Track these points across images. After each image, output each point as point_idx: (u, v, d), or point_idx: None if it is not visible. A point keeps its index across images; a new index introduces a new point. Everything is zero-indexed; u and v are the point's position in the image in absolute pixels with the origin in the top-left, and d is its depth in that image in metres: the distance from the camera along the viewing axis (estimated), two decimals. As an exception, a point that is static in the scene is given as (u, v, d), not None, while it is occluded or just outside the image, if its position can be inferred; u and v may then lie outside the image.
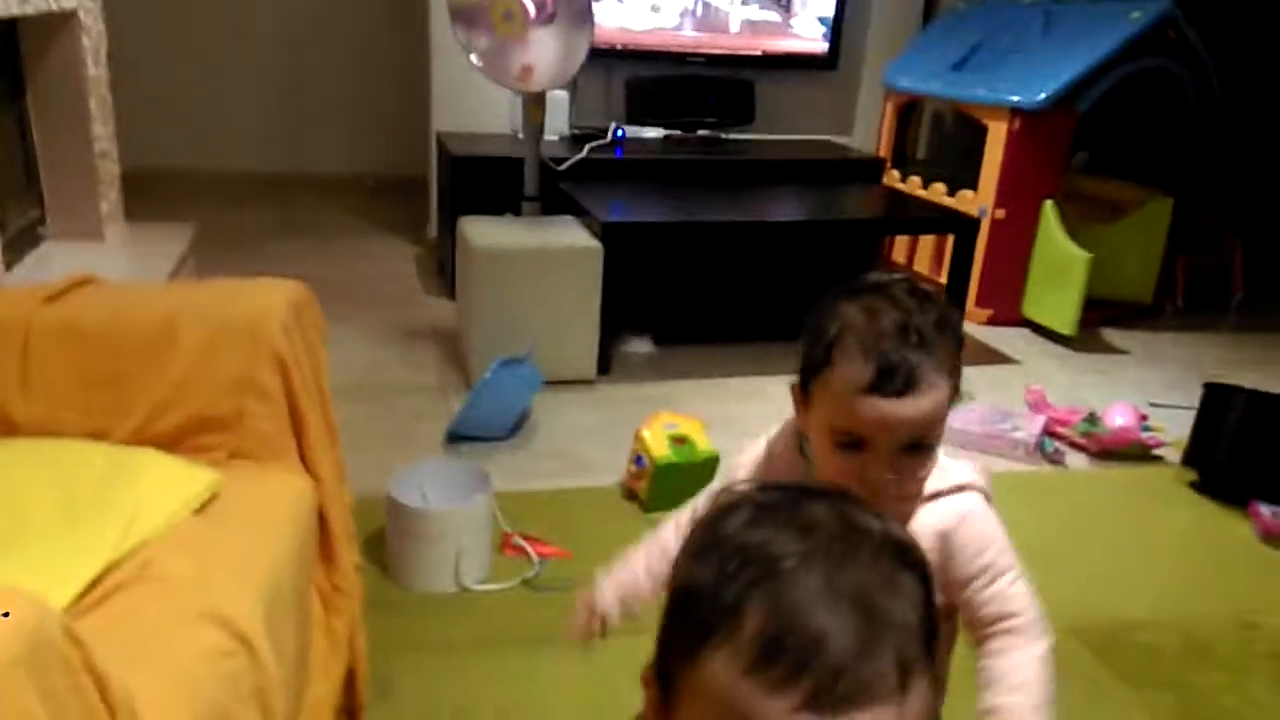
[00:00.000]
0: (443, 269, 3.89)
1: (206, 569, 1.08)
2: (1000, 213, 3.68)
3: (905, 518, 0.97)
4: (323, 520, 1.45)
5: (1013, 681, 0.98)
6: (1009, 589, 1.00)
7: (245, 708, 0.99)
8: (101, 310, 1.33)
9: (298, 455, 1.38)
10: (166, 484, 1.19)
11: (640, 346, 3.38)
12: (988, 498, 1.02)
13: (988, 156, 3.69)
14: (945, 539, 0.98)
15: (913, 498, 0.97)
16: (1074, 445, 2.77)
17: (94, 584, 1.03)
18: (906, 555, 0.53)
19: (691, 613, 0.51)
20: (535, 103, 3.23)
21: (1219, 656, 1.88)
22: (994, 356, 3.53)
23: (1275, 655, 1.90)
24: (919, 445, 0.92)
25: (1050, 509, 2.44)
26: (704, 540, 0.53)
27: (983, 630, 1.00)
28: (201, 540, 1.13)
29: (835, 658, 0.45)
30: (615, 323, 3.16)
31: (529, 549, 2.09)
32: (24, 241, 2.90)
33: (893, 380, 0.89)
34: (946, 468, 1.00)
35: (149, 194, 4.73)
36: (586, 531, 2.17)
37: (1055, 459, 2.69)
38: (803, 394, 0.97)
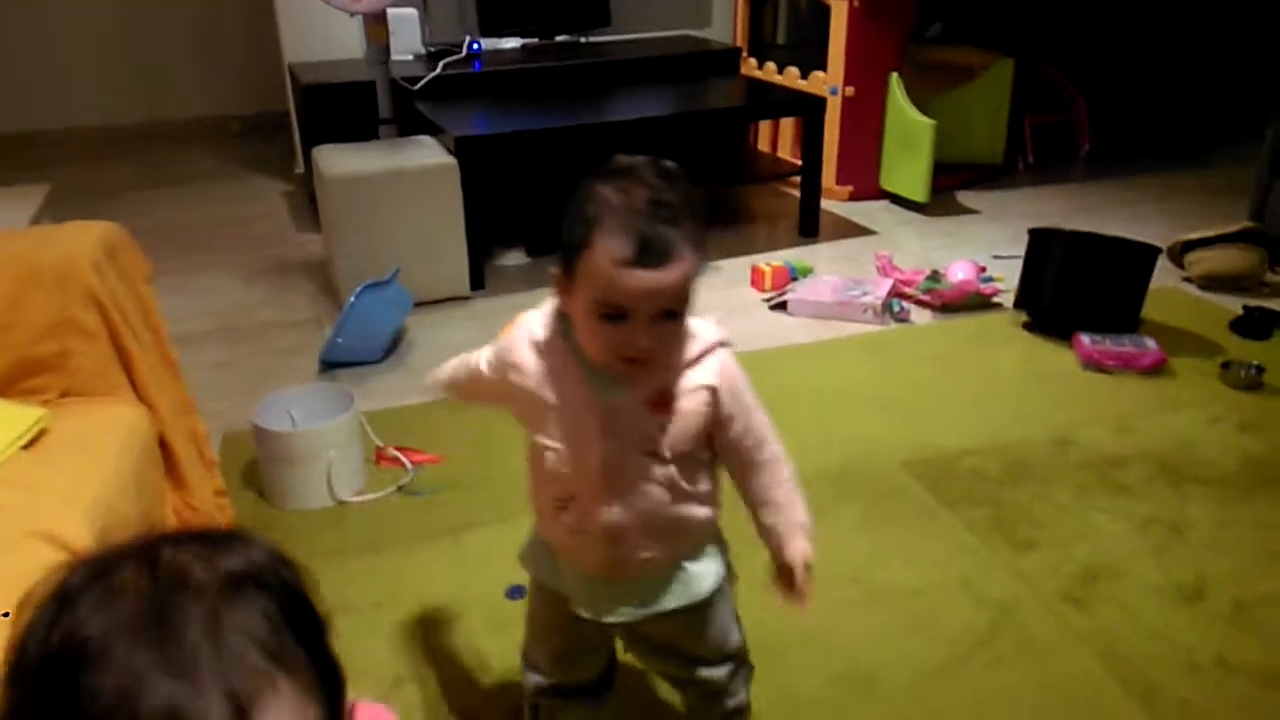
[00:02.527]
0: (313, 203, 3.86)
1: (35, 496, 1.15)
2: (850, 90, 3.78)
3: (670, 385, 1.08)
4: (169, 448, 1.52)
5: (780, 501, 1.15)
6: (761, 420, 1.14)
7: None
8: (-91, 267, 1.36)
9: (130, 389, 1.45)
10: (-7, 425, 1.25)
11: (513, 258, 3.45)
12: (729, 345, 1.13)
13: (833, 37, 3.78)
14: (713, 392, 1.10)
15: (675, 369, 1.08)
16: (919, 303, 2.94)
17: (-75, 519, 1.10)
18: (242, 584, 0.51)
19: None
20: (375, 22, 3.22)
21: (1034, 472, 2.09)
22: (854, 230, 3.68)
23: (1084, 465, 2.11)
24: (673, 314, 1.02)
25: (895, 363, 2.61)
26: (14, 662, 0.48)
27: (743, 460, 1.14)
28: (30, 472, 1.20)
29: None
30: (485, 237, 3.22)
31: (402, 458, 2.19)
32: None
33: (651, 253, 0.97)
34: (698, 331, 1.10)
35: (3, 159, 4.59)
36: (458, 437, 2.27)
37: (901, 317, 2.86)
38: (565, 276, 1.04)
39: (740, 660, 1.28)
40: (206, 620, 0.48)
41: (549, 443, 1.09)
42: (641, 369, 1.04)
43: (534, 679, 1.28)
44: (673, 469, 1.10)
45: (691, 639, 1.22)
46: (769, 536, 1.16)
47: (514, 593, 1.74)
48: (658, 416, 1.07)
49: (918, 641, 1.62)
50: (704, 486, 1.15)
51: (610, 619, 1.16)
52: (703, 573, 1.18)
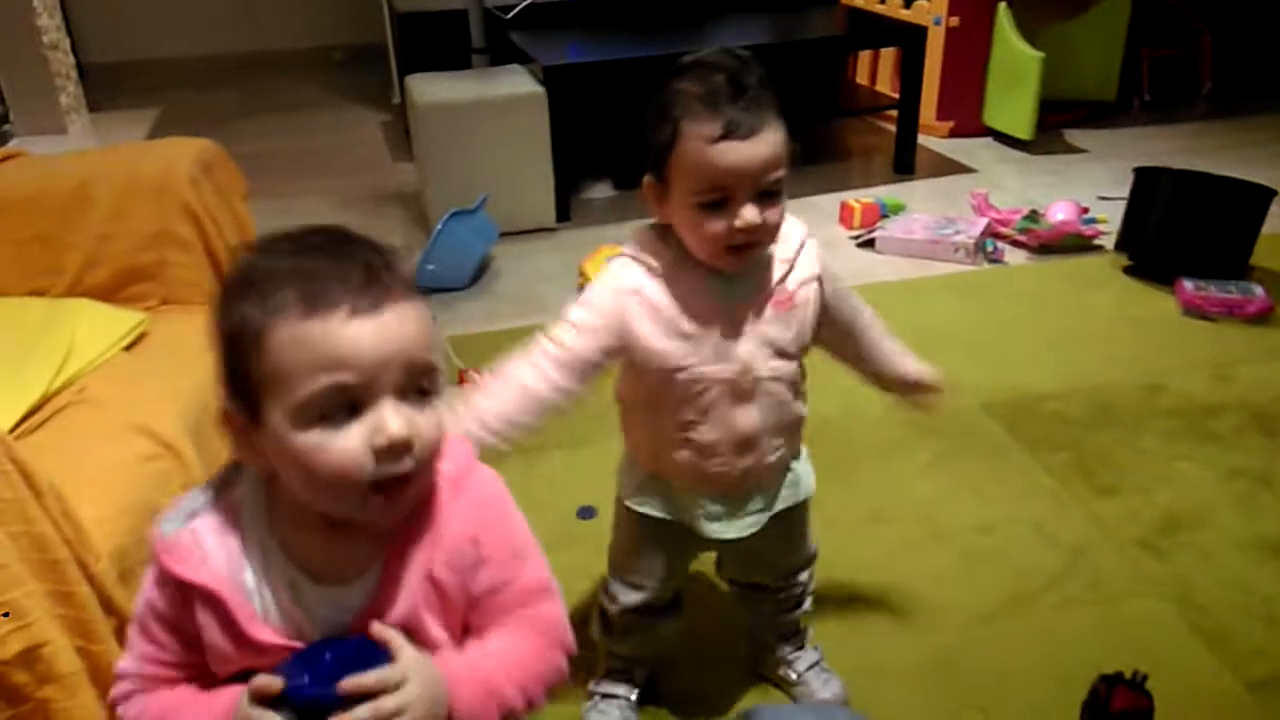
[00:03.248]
0: (408, 133, 3.93)
1: (134, 392, 1.23)
2: (954, 20, 3.64)
3: (786, 282, 1.11)
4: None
5: (896, 349, 1.27)
6: (849, 289, 1.21)
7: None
8: (23, 180, 1.45)
9: (225, 298, 1.52)
10: (98, 326, 1.34)
11: (601, 191, 3.46)
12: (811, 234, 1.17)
13: (939, -38, 3.63)
14: (819, 280, 1.15)
15: (773, 241, 1.10)
16: (1015, 243, 2.85)
17: (34, 411, 1.19)
18: (384, 249, 0.73)
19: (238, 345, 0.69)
20: (470, -49, 3.22)
21: (1120, 417, 2.02)
22: (952, 167, 3.57)
23: (1173, 412, 2.03)
24: (771, 193, 1.03)
25: (984, 303, 2.55)
26: (240, 280, 0.71)
27: (849, 328, 1.21)
28: (130, 370, 1.28)
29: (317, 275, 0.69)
30: (573, 168, 3.23)
31: (479, 380, 2.24)
32: (-11, 140, 3.01)
33: (740, 125, 0.99)
34: (788, 227, 1.12)
35: (116, 86, 4.80)
36: (538, 361, 2.31)
37: (995, 258, 2.78)
38: (658, 180, 1.06)
39: (812, 568, 1.35)
40: (370, 249, 0.71)
41: (682, 363, 1.09)
42: (748, 255, 1.06)
43: (630, 596, 1.28)
44: (795, 365, 1.15)
45: (784, 543, 1.28)
46: (899, 377, 1.26)
47: (584, 513, 1.79)
48: (782, 315, 1.12)
49: (985, 579, 1.61)
50: (805, 383, 1.20)
51: (733, 535, 1.20)
52: (805, 471, 1.25)
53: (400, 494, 0.70)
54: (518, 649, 0.78)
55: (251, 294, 0.68)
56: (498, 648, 0.78)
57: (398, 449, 0.68)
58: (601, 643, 1.35)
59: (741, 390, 1.11)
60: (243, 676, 0.73)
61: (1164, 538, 1.68)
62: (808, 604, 1.38)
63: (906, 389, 1.28)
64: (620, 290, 1.09)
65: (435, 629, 0.75)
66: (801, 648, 1.41)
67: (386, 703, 0.68)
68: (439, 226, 2.67)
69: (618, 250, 2.59)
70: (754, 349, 1.11)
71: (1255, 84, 4.29)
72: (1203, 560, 1.63)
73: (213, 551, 0.73)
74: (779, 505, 1.22)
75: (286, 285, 0.67)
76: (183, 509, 0.75)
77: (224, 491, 0.76)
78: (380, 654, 0.71)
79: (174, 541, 0.73)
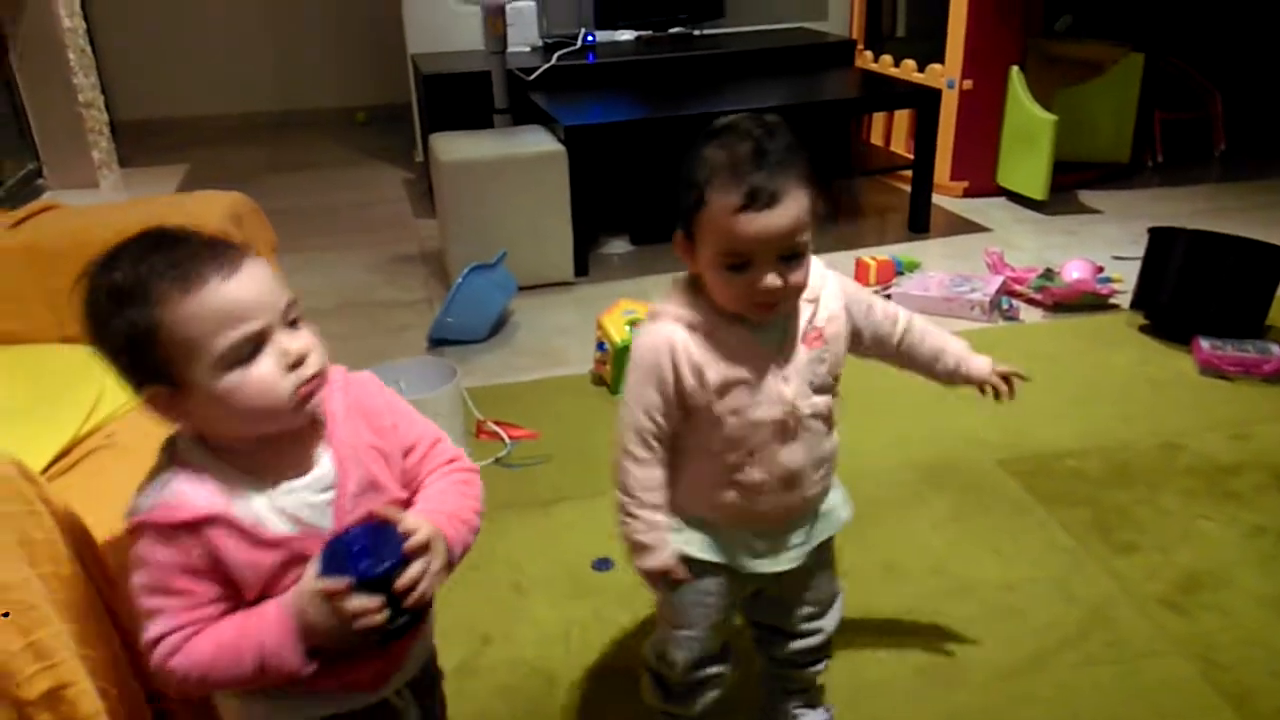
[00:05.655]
0: (431, 190, 4.01)
1: (160, 437, 1.25)
2: (968, 83, 3.70)
3: (816, 320, 1.15)
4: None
5: (940, 345, 1.30)
6: (877, 299, 1.26)
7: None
8: (59, 230, 1.49)
9: (252, 347, 1.54)
10: (127, 374, 1.36)
11: (618, 247, 3.50)
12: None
13: (952, 28, 3.71)
14: (846, 310, 1.19)
15: (798, 299, 1.13)
16: (1030, 301, 2.87)
17: (64, 454, 1.21)
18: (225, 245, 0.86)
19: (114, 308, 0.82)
20: (494, 14, 3.32)
21: (1138, 476, 2.02)
22: (966, 226, 3.60)
23: (1192, 471, 2.02)
24: (793, 254, 1.07)
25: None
26: (108, 296, 0.82)
27: (890, 337, 1.26)
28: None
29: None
30: (592, 225, 3.28)
31: (501, 432, 2.26)
32: (24, 193, 3.08)
33: (760, 197, 1.02)
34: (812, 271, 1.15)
35: (146, 143, 4.92)
36: (555, 414, 2.34)
37: (1011, 315, 2.79)
38: (687, 239, 1.10)
39: (836, 616, 1.34)
40: (197, 237, 0.85)
41: (732, 409, 1.11)
42: (773, 311, 1.10)
43: (685, 652, 1.26)
44: (828, 399, 1.18)
45: (816, 575, 1.28)
46: (953, 374, 1.30)
47: (600, 564, 1.79)
48: (815, 351, 1.15)
49: (1003, 636, 1.59)
50: (836, 413, 1.21)
51: (778, 569, 1.21)
52: (840, 501, 1.27)
53: (316, 390, 0.87)
54: (456, 485, 0.97)
55: (128, 302, 0.80)
56: (443, 488, 0.96)
57: (302, 359, 0.85)
58: (668, 710, 1.33)
59: (788, 429, 1.14)
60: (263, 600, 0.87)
61: (1185, 596, 1.67)
62: (823, 663, 1.36)
63: (963, 381, 1.32)
64: (660, 349, 1.10)
65: (392, 486, 0.94)
66: (813, 706, 1.40)
67: (427, 555, 0.87)
68: (459, 280, 2.72)
69: (635, 305, 2.61)
70: (797, 388, 1.13)
71: (1269, 146, 4.32)
72: (1225, 619, 1.61)
73: (199, 499, 0.85)
74: (818, 537, 1.24)
75: (158, 280, 0.80)
76: (151, 489, 0.87)
77: (175, 461, 0.88)
78: (390, 527, 0.88)
79: (163, 502, 0.84)
